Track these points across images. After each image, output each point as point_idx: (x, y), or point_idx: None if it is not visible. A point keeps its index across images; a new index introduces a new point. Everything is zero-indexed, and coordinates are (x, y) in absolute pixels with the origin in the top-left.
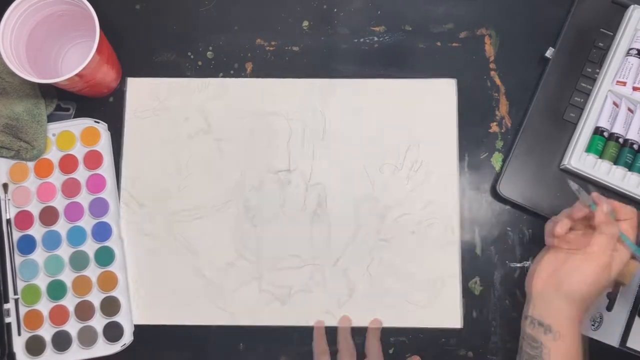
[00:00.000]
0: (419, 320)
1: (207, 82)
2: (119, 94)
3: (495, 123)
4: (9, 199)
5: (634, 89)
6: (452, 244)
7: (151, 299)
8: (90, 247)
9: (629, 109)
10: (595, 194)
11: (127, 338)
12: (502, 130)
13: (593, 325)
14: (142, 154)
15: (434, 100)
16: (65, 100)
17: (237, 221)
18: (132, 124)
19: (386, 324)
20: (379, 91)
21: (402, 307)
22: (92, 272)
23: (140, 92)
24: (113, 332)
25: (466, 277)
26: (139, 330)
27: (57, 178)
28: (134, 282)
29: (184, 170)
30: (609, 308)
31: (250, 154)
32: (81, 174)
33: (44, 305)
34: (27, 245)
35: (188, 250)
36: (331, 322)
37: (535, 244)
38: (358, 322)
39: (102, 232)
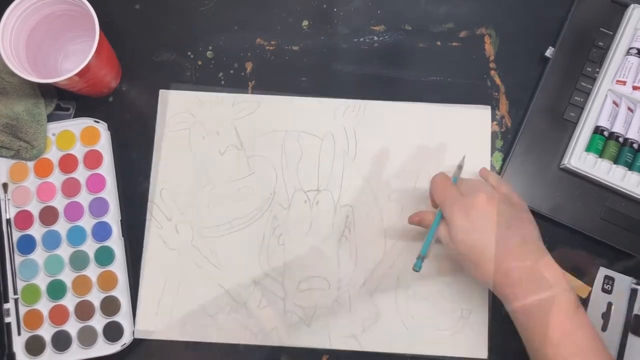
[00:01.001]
0: (445, 349)
1: (239, 98)
2: (119, 93)
3: (495, 122)
4: (8, 199)
5: (634, 88)
6: None
7: (174, 315)
8: (90, 246)
9: (629, 108)
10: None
11: (127, 338)
12: (502, 130)
13: None
14: (172, 168)
15: (468, 127)
16: (65, 99)
17: (265, 239)
18: (163, 135)
19: (413, 351)
20: (411, 115)
21: (429, 335)
22: (92, 271)
23: (172, 104)
24: (113, 332)
25: None
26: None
27: (57, 178)
28: (155, 296)
29: (214, 185)
30: (604, 328)
31: (280, 172)
32: (81, 173)
33: (44, 305)
34: (27, 245)
35: (214, 266)
36: (354, 347)
37: None
38: (383, 348)
39: (102, 232)
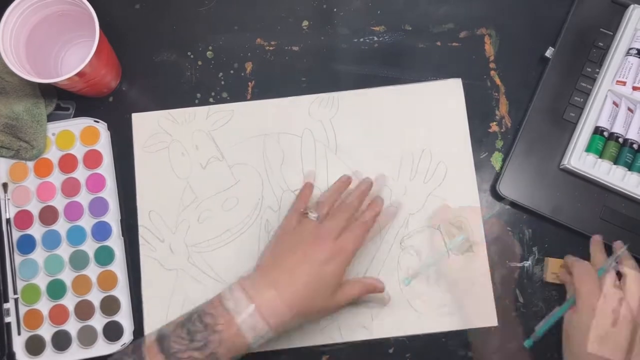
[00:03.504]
0: (456, 323)
1: (212, 109)
2: (119, 93)
3: (495, 123)
4: (8, 199)
5: (634, 88)
6: (477, 244)
7: None
8: (90, 246)
9: (629, 109)
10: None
11: (127, 337)
12: (502, 130)
13: None
14: (157, 188)
15: (442, 101)
16: (65, 99)
17: (260, 244)
18: (142, 159)
19: (424, 331)
20: (384, 98)
21: (438, 312)
22: (92, 271)
23: (146, 126)
24: (113, 331)
25: None
26: (139, 330)
27: (56, 177)
28: (160, 322)
29: (201, 200)
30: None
31: (265, 176)
32: (81, 173)
33: (44, 305)
34: (27, 244)
35: (215, 280)
36: (366, 337)
37: (535, 244)
38: (395, 332)
39: (102, 231)
